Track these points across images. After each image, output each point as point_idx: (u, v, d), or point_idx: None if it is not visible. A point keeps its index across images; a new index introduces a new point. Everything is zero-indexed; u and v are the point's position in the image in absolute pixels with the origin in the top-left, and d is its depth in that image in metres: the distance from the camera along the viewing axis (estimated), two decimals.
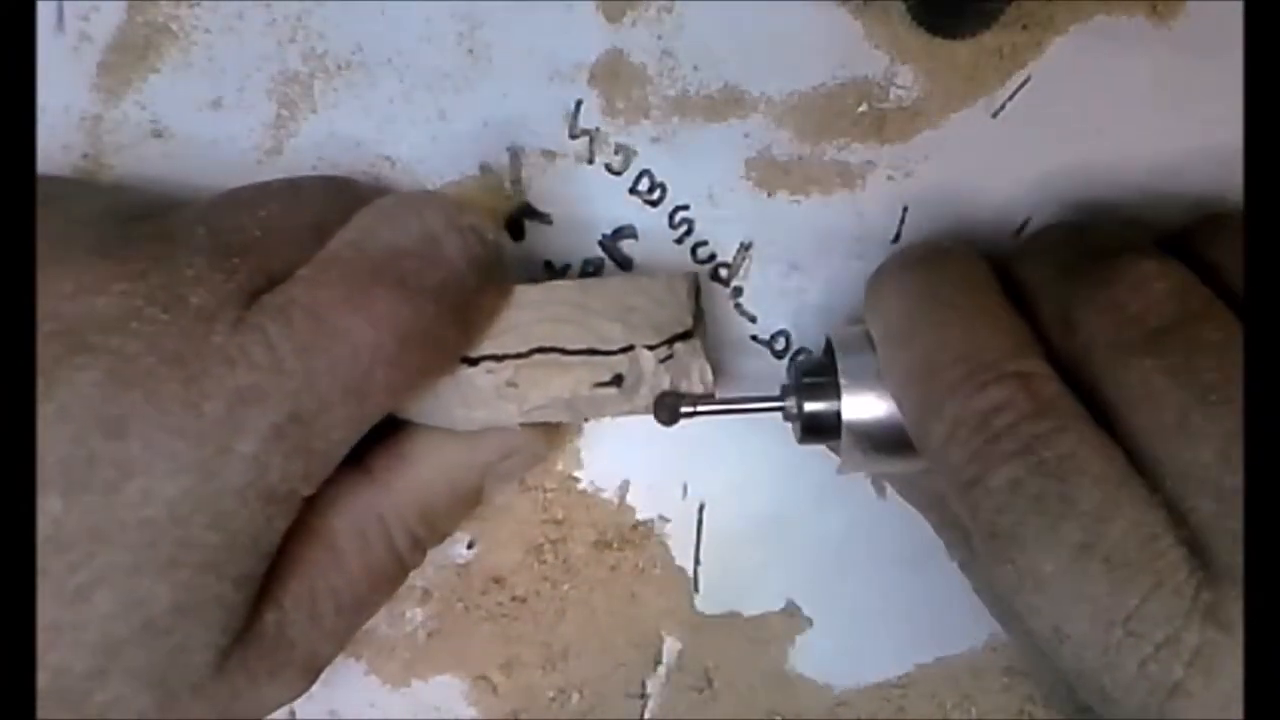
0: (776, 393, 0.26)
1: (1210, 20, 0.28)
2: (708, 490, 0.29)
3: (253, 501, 0.22)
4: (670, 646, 0.29)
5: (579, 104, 0.29)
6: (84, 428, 0.21)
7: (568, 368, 0.25)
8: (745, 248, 0.29)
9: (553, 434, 0.28)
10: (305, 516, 0.25)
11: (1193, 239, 0.25)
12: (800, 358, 0.26)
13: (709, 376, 0.27)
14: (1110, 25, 0.29)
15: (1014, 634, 0.26)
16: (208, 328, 0.22)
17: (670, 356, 0.26)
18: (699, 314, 0.27)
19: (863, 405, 0.25)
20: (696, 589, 0.29)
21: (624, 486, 0.30)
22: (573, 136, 0.29)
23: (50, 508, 0.21)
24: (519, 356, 0.25)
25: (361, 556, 0.25)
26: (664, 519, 0.30)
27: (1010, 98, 0.29)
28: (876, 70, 0.29)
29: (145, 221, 0.24)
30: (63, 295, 0.22)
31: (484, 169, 0.29)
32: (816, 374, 0.26)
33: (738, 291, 0.30)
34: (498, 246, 0.25)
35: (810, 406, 0.26)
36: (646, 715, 0.29)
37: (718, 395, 0.26)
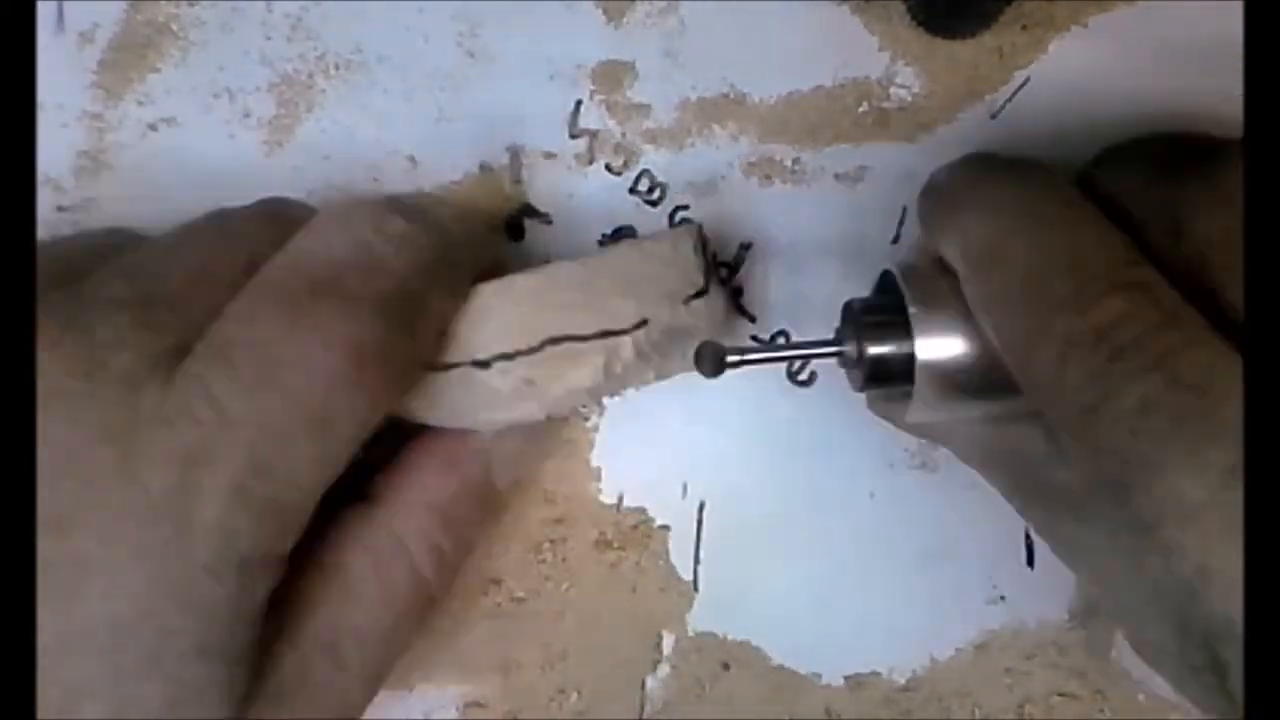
0: (830, 336, 0.24)
1: (1210, 19, 0.28)
2: (708, 490, 0.29)
3: (227, 574, 0.20)
4: (670, 645, 0.29)
5: (579, 104, 0.29)
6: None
7: (584, 355, 0.24)
8: (745, 248, 0.29)
9: (553, 427, 0.28)
10: (315, 555, 0.23)
11: None
12: (855, 300, 0.24)
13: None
14: (1110, 22, 0.29)
15: (1102, 587, 0.23)
16: (135, 393, 0.20)
17: (684, 325, 0.25)
18: (710, 267, 0.25)
19: (939, 344, 0.22)
20: (696, 588, 0.29)
21: (624, 486, 0.30)
22: (573, 136, 0.29)
23: None
24: (531, 351, 0.24)
25: (380, 587, 0.24)
26: (664, 519, 0.30)
27: (1010, 98, 0.29)
28: (877, 70, 0.29)
29: (62, 288, 0.22)
30: None
31: (484, 169, 0.29)
32: (878, 313, 0.23)
33: (738, 292, 0.30)
34: (441, 245, 0.24)
35: (875, 349, 0.23)
36: (646, 714, 0.29)
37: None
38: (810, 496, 0.29)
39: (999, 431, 0.24)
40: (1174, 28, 0.29)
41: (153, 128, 0.29)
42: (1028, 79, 0.29)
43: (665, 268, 0.25)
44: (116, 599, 0.20)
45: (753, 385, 0.29)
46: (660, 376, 0.26)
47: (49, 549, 0.20)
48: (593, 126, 0.29)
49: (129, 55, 0.29)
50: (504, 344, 0.24)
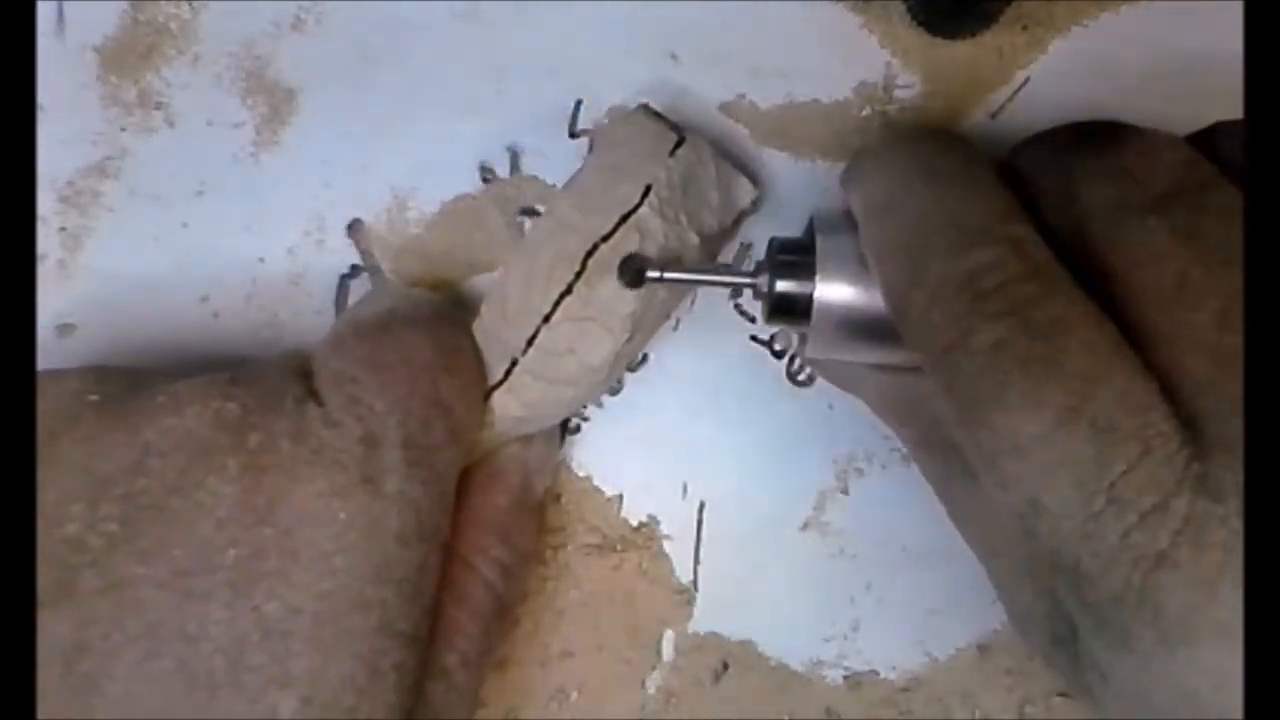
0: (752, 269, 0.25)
1: (1209, 18, 0.28)
2: (708, 490, 0.29)
3: (413, 542, 0.23)
4: (670, 645, 0.29)
5: (579, 104, 0.29)
6: (233, 520, 0.22)
7: (621, 244, 0.25)
8: (745, 248, 0.29)
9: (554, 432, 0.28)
10: None
11: (1199, 136, 0.24)
12: (776, 238, 0.25)
13: (738, 180, 0.27)
14: (1111, 22, 0.29)
15: (985, 553, 0.24)
16: (304, 411, 0.23)
17: (683, 172, 0.26)
18: (673, 124, 0.27)
19: (838, 287, 0.23)
20: (696, 588, 0.29)
21: (624, 487, 0.30)
22: (573, 136, 0.29)
23: (217, 615, 0.22)
24: (578, 276, 0.25)
25: (465, 611, 0.25)
26: (664, 519, 0.30)
27: (1010, 98, 0.29)
28: (877, 72, 0.29)
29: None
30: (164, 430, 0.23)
31: (484, 169, 0.29)
32: (792, 252, 0.24)
33: (737, 292, 0.30)
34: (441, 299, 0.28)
35: (782, 285, 0.24)
36: (646, 714, 0.29)
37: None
38: (810, 496, 0.29)
39: (901, 381, 0.26)
40: (1174, 28, 0.29)
41: (151, 128, 0.29)
42: (1028, 79, 0.29)
43: (633, 141, 0.26)
44: (325, 577, 0.22)
45: (752, 385, 0.29)
46: (704, 233, 0.27)
47: (254, 538, 0.22)
48: (592, 126, 0.29)
49: (129, 55, 0.29)
50: (550, 290, 0.25)
